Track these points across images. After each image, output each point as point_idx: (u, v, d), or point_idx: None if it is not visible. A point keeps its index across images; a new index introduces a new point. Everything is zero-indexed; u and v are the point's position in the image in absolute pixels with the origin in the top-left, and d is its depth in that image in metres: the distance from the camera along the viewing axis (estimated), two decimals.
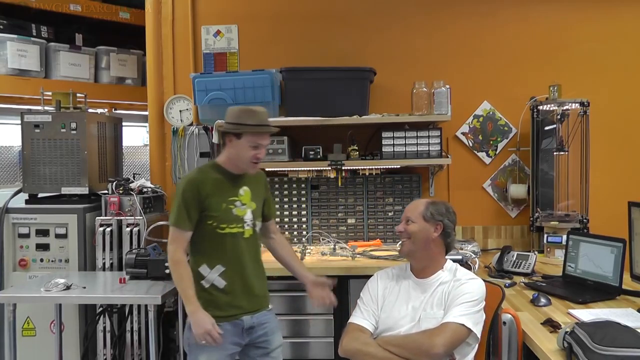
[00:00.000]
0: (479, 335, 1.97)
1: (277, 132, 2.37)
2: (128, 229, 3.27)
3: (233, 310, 2.30)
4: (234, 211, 2.29)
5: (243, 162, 2.28)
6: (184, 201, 2.24)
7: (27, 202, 3.48)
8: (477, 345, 2.02)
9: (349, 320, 2.15)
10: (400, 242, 2.18)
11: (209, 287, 2.29)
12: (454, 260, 2.20)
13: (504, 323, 2.08)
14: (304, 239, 3.59)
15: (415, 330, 2.00)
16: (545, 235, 3.26)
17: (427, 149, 3.29)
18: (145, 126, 4.19)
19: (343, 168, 3.31)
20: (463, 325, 1.93)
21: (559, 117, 3.27)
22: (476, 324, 1.96)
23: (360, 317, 2.12)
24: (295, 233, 3.63)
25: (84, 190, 3.41)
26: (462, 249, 3.09)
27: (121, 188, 3.36)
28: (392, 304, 2.09)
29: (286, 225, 3.63)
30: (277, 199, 3.63)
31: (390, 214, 3.57)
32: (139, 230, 3.26)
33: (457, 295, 1.99)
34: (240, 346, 2.34)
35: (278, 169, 3.47)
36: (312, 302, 2.41)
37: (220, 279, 2.28)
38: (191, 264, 2.30)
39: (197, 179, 2.27)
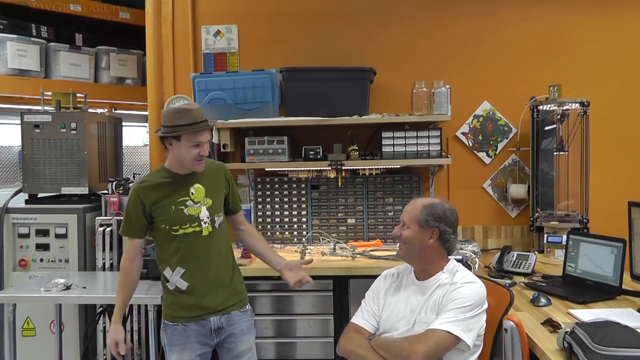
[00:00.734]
0: (469, 343, 1.88)
1: (214, 124, 2.37)
2: None
3: (198, 311, 2.29)
4: (186, 211, 2.27)
5: (187, 163, 2.26)
6: (128, 210, 2.30)
7: (27, 202, 3.48)
8: (478, 351, 1.97)
9: (351, 320, 2.15)
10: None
11: (174, 289, 2.30)
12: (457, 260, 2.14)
13: (505, 330, 2.00)
14: (304, 239, 3.59)
15: (410, 334, 1.95)
16: (545, 235, 3.26)
17: (427, 149, 3.29)
18: (145, 126, 4.20)
19: (343, 168, 3.31)
20: (449, 332, 1.85)
21: (559, 117, 3.27)
22: (467, 331, 1.87)
23: (360, 318, 2.11)
24: (295, 233, 3.63)
25: (84, 190, 3.41)
26: (462, 249, 3.09)
27: (121, 188, 3.36)
28: (393, 305, 2.07)
29: (286, 225, 3.64)
30: (277, 199, 3.63)
31: (390, 214, 3.58)
32: None
33: (449, 300, 1.92)
34: (210, 346, 2.35)
35: (278, 169, 3.47)
36: (291, 285, 2.42)
37: (182, 280, 2.28)
38: (159, 268, 2.35)
39: (139, 188, 2.28)
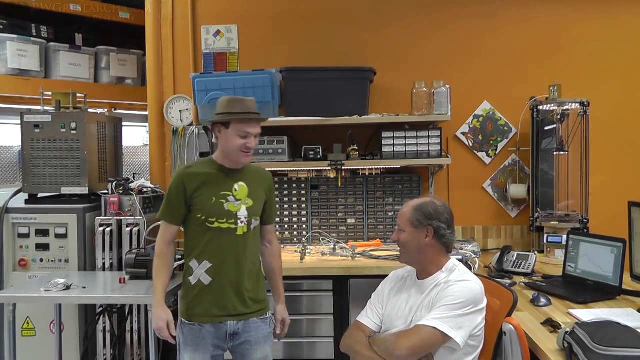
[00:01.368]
0: (459, 341, 1.87)
1: (265, 120, 2.37)
2: (128, 229, 3.27)
3: (217, 311, 2.27)
4: (226, 206, 2.25)
5: (233, 153, 2.26)
6: (169, 195, 2.28)
7: (27, 202, 3.48)
8: (475, 352, 1.97)
9: (357, 317, 2.19)
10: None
11: (196, 283, 2.28)
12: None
13: (504, 333, 1.99)
14: (304, 239, 3.59)
15: None
16: (545, 235, 3.26)
17: (427, 149, 3.29)
18: (145, 126, 4.19)
19: (343, 168, 3.31)
20: (435, 328, 1.86)
21: (559, 117, 3.27)
22: (457, 329, 1.87)
23: (364, 316, 2.16)
24: (295, 233, 3.63)
25: (84, 190, 3.41)
26: (462, 249, 3.10)
27: (121, 188, 3.36)
28: (395, 304, 2.10)
29: (286, 225, 3.64)
30: (277, 199, 3.62)
31: (390, 214, 3.58)
32: (138, 230, 3.25)
33: (440, 297, 1.93)
34: (223, 350, 2.33)
35: (278, 169, 3.46)
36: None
37: (206, 275, 2.26)
38: (185, 258, 2.33)
39: (184, 173, 2.27)
